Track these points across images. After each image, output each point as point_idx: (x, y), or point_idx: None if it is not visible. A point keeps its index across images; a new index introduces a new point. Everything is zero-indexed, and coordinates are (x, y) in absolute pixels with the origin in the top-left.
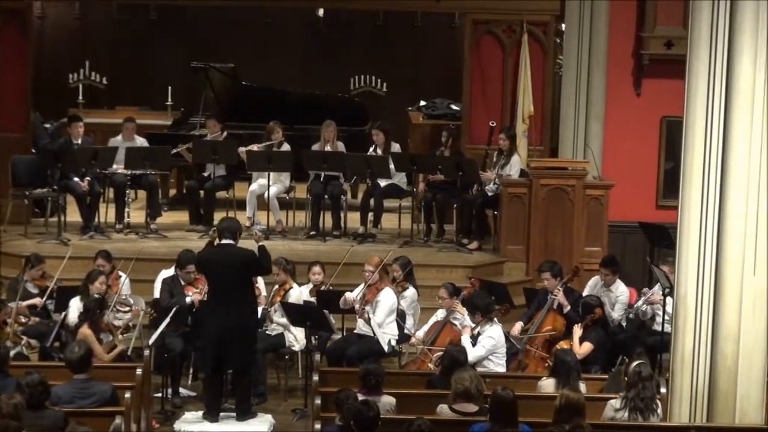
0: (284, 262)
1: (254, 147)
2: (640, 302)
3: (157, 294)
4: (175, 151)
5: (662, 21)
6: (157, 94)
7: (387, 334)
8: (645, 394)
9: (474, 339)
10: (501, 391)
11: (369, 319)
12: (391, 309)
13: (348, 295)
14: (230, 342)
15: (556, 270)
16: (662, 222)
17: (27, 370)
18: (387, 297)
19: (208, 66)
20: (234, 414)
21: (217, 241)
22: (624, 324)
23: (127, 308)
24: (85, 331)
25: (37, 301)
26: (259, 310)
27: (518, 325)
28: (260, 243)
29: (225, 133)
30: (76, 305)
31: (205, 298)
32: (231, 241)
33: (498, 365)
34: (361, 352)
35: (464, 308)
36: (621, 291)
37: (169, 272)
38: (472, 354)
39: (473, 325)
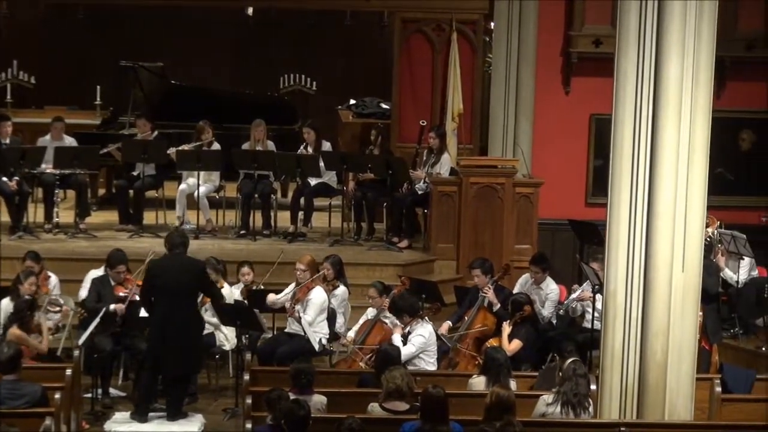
0: (215, 262)
1: (185, 147)
2: (570, 298)
3: (83, 293)
4: (104, 151)
5: (591, 19)
6: (86, 93)
7: (318, 333)
8: (578, 390)
9: (405, 338)
10: (431, 389)
11: (299, 318)
12: (321, 308)
13: (271, 296)
14: (176, 349)
15: (487, 267)
16: (591, 219)
17: None
18: (318, 296)
19: (137, 65)
20: (164, 414)
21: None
22: (554, 321)
23: (58, 308)
24: (16, 331)
25: None
26: None
27: (446, 325)
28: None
29: (155, 133)
30: (5, 307)
31: (136, 299)
32: (182, 252)
33: (429, 363)
34: (292, 351)
35: (389, 317)
36: (551, 289)
37: (98, 272)
38: (403, 352)
39: (403, 324)
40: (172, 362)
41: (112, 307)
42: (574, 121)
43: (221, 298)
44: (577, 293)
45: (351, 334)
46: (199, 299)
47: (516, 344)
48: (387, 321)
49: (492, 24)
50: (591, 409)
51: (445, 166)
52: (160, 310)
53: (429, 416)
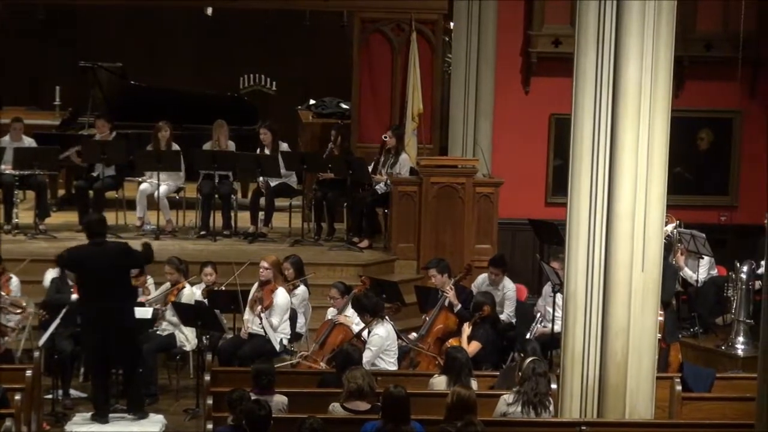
0: (177, 261)
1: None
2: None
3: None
4: (64, 155)
5: (550, 19)
6: (45, 93)
7: (279, 334)
8: (539, 389)
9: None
10: (393, 388)
11: (261, 318)
12: (285, 309)
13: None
14: (113, 340)
15: (443, 266)
16: (551, 219)
17: None
18: (281, 297)
19: (96, 65)
20: (125, 415)
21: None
22: (514, 321)
23: (19, 309)
24: None
25: None
26: (150, 310)
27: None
28: (145, 241)
29: (114, 133)
30: None
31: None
32: (102, 238)
33: (389, 363)
34: (253, 351)
35: (348, 318)
36: (507, 287)
37: (55, 272)
38: (364, 358)
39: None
40: (116, 353)
41: (74, 297)
42: (533, 121)
43: (146, 262)
44: (533, 331)
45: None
46: (164, 298)
47: (475, 346)
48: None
49: (451, 24)
50: (552, 408)
51: (404, 166)
52: (90, 301)
53: (390, 416)
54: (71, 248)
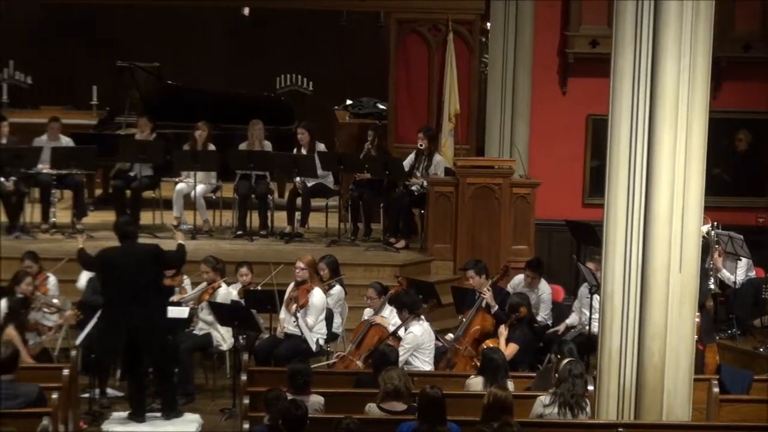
0: (213, 261)
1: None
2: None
3: (81, 284)
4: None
5: (587, 20)
6: (82, 93)
7: (315, 334)
8: (575, 391)
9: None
10: (429, 389)
11: (297, 318)
12: (321, 309)
13: (279, 331)
14: (143, 341)
15: (480, 267)
16: (588, 220)
17: None
18: (317, 297)
19: (133, 65)
20: (159, 414)
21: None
22: (550, 322)
23: (56, 309)
24: (11, 332)
25: None
26: (186, 309)
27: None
28: (180, 242)
29: (154, 134)
30: (2, 307)
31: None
32: (133, 240)
33: (426, 363)
34: (289, 351)
35: (384, 319)
36: (543, 289)
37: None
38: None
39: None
40: (146, 352)
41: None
42: (570, 122)
43: (178, 264)
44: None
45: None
46: (198, 296)
47: (512, 348)
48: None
49: (488, 24)
50: (588, 409)
51: (439, 167)
52: (122, 301)
53: (427, 416)
54: (101, 250)
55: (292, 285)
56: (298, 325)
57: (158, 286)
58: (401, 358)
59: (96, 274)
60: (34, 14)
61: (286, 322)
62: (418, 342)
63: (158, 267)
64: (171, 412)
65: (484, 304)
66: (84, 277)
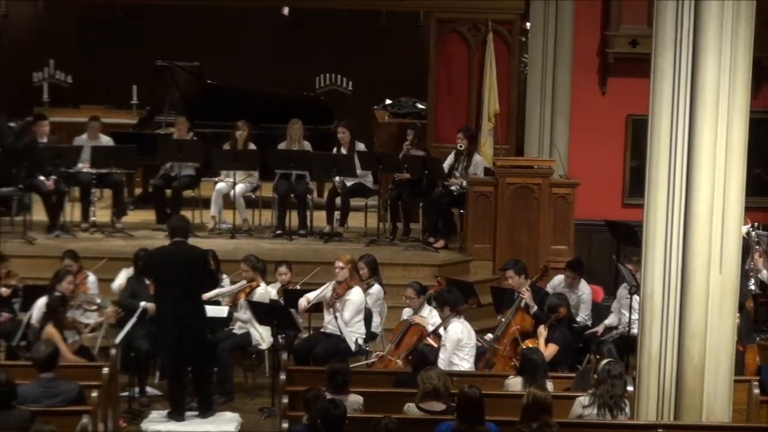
0: (254, 259)
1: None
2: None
3: (116, 285)
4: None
5: (627, 20)
6: (122, 92)
7: (354, 333)
8: (614, 392)
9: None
10: (467, 389)
11: (336, 316)
12: (359, 308)
13: (302, 302)
14: (187, 340)
15: (519, 268)
16: (628, 220)
17: None
18: (356, 295)
19: (173, 65)
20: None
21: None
22: (589, 323)
23: (95, 307)
24: (50, 330)
25: (2, 290)
26: (225, 308)
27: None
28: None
29: (191, 134)
30: (40, 304)
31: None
32: (183, 240)
33: (466, 363)
34: (328, 350)
35: (423, 319)
36: (583, 290)
37: (129, 271)
38: (440, 356)
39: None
40: (186, 352)
41: (142, 304)
42: (610, 122)
43: (214, 286)
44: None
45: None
46: (234, 295)
47: (552, 348)
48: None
49: (528, 24)
50: (628, 410)
51: (478, 167)
52: (164, 300)
53: (465, 416)
54: (154, 249)
55: (331, 284)
56: (337, 326)
57: (201, 287)
58: (443, 357)
59: (133, 277)
60: (75, 14)
61: (327, 321)
62: (458, 340)
63: (200, 272)
64: (207, 411)
65: (523, 305)
66: (120, 279)
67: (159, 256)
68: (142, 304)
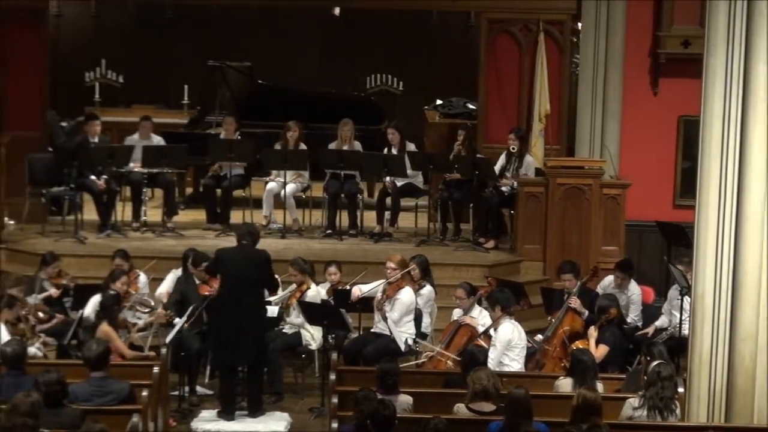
0: (302, 262)
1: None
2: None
3: (163, 290)
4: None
5: (679, 20)
6: (174, 92)
7: (404, 333)
8: (664, 394)
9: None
10: (514, 389)
11: (386, 317)
12: (408, 308)
13: (356, 290)
14: (243, 339)
15: (576, 270)
16: (679, 221)
17: (45, 368)
18: (406, 295)
19: (224, 65)
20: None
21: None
22: (640, 324)
23: (147, 308)
24: (106, 328)
25: (53, 291)
26: (276, 308)
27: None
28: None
29: (237, 133)
30: (94, 302)
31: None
32: (249, 243)
33: (514, 361)
34: (378, 351)
35: (474, 319)
36: (633, 291)
37: (179, 271)
38: (490, 355)
39: (490, 324)
40: (241, 352)
41: (177, 323)
42: (662, 123)
43: (275, 289)
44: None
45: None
46: (286, 299)
47: (603, 350)
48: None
49: (579, 24)
50: (678, 412)
51: (530, 168)
52: (225, 300)
53: (513, 416)
54: (219, 249)
55: (378, 282)
56: (386, 326)
57: (262, 289)
58: (493, 356)
59: (182, 277)
60: (126, 14)
61: (376, 321)
62: (509, 340)
63: (261, 274)
64: (257, 411)
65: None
66: (166, 284)
67: (224, 256)
68: (176, 321)
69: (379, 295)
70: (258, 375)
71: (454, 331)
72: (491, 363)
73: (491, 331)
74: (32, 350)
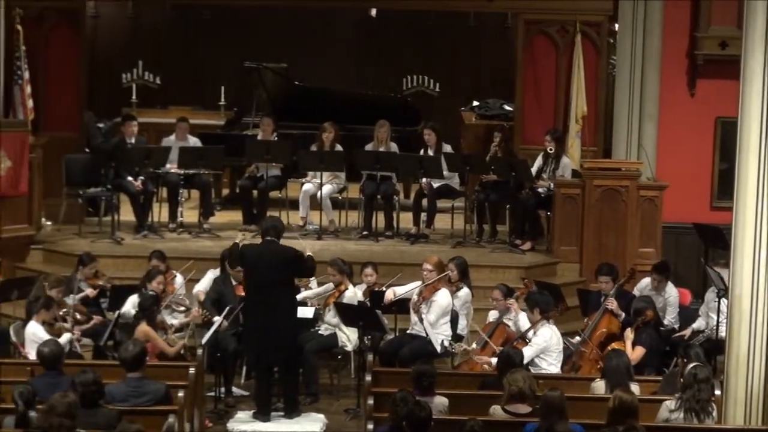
0: (341, 263)
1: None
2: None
3: (201, 287)
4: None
5: (716, 21)
6: (210, 93)
7: (440, 335)
8: (701, 396)
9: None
10: (549, 391)
11: (422, 318)
12: (445, 310)
13: (389, 293)
14: (271, 340)
15: (615, 273)
16: (717, 223)
17: (81, 369)
18: (442, 297)
19: (260, 66)
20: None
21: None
22: (677, 326)
23: (183, 308)
24: (145, 328)
25: (89, 291)
26: (312, 309)
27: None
28: (308, 254)
29: (275, 134)
30: (132, 302)
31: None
32: (274, 239)
33: (551, 365)
34: (414, 352)
35: (518, 308)
36: (670, 293)
37: (216, 271)
38: (525, 353)
39: (528, 326)
40: (273, 351)
41: (216, 321)
42: (699, 124)
43: (308, 275)
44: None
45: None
46: (324, 299)
47: (639, 351)
48: (510, 323)
49: (616, 25)
50: (715, 414)
51: (566, 169)
52: (252, 299)
53: (547, 418)
54: (244, 245)
55: (414, 284)
56: (423, 327)
57: (291, 287)
58: (529, 354)
59: (219, 278)
60: (163, 15)
61: (412, 323)
62: (546, 345)
63: (293, 270)
64: (293, 411)
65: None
66: (204, 282)
67: (250, 252)
68: (215, 319)
69: (414, 296)
70: (293, 375)
71: (490, 333)
72: (525, 359)
73: (530, 334)
74: (65, 339)
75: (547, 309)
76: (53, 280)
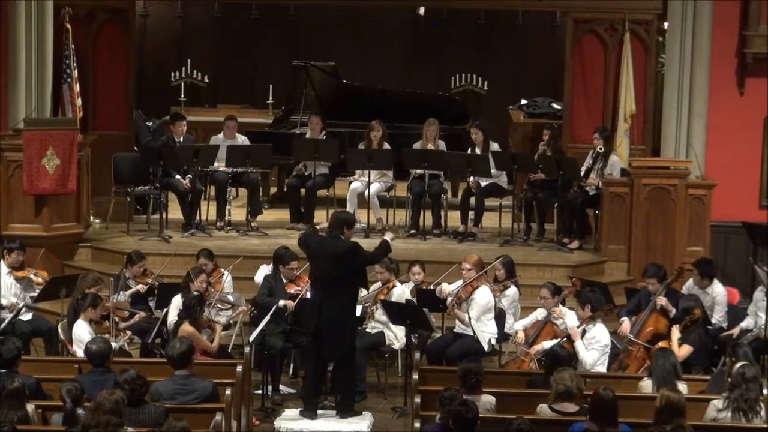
0: (388, 261)
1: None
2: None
3: (258, 278)
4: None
5: (766, 19)
6: (258, 92)
7: (486, 333)
8: (749, 396)
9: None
10: (602, 391)
11: (468, 318)
12: (486, 307)
13: (444, 286)
14: (329, 333)
15: (662, 274)
16: (766, 222)
17: (124, 367)
18: (482, 295)
19: (309, 65)
20: (333, 411)
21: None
22: (725, 325)
23: (229, 306)
24: (187, 328)
25: (140, 287)
26: (360, 307)
27: (626, 323)
28: (386, 237)
29: (323, 133)
30: (176, 303)
31: (307, 296)
32: (339, 234)
33: (599, 364)
34: (461, 350)
35: (562, 311)
36: (717, 291)
37: (268, 269)
38: (588, 358)
39: (578, 324)
40: (329, 346)
41: (281, 302)
42: (748, 123)
43: (380, 256)
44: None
45: (520, 326)
46: (374, 296)
47: (686, 349)
48: (557, 322)
49: (665, 24)
50: (763, 413)
51: (615, 168)
52: (316, 293)
53: (598, 418)
54: (310, 235)
55: (460, 283)
56: (468, 325)
57: (352, 284)
58: (590, 361)
59: (270, 275)
60: (211, 13)
61: (458, 321)
62: (606, 344)
63: (353, 264)
64: (347, 411)
65: (658, 307)
66: (261, 273)
67: (311, 242)
68: (280, 302)
69: (449, 298)
70: (348, 373)
71: (538, 331)
72: (587, 365)
73: (587, 335)
74: (116, 345)
75: (599, 307)
76: (90, 279)
